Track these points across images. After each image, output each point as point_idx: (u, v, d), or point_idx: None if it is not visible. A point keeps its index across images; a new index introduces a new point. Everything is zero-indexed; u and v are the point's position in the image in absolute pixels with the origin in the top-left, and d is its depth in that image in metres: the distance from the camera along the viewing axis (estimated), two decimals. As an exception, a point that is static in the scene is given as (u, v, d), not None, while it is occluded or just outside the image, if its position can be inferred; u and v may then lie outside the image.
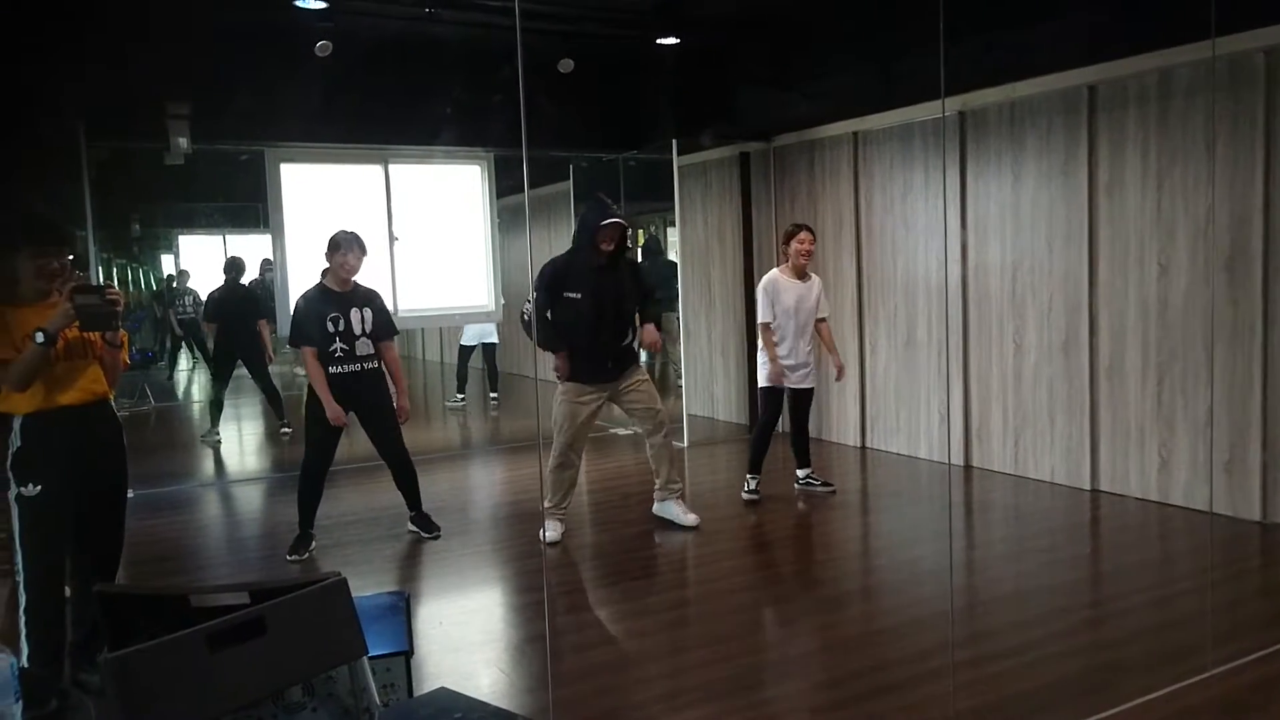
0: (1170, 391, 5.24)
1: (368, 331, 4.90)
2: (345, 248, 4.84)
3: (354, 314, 4.88)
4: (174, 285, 10.10)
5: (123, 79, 5.73)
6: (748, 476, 5.67)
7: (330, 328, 4.82)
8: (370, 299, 4.98)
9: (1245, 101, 4.76)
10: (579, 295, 4.79)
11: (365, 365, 4.89)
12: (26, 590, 3.14)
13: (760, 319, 5.53)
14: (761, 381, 5.64)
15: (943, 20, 2.90)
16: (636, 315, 5.10)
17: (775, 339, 5.50)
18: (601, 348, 4.88)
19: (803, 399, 5.74)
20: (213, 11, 5.85)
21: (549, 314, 4.89)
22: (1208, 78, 4.87)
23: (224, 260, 8.28)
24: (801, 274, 5.57)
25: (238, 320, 8.06)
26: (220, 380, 8.28)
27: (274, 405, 8.44)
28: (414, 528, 5.23)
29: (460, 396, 9.85)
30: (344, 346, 4.84)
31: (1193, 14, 4.20)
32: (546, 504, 4.98)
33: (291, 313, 4.98)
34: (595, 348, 4.86)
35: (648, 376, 5.19)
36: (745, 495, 5.62)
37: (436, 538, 5.15)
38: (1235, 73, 4.78)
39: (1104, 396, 5.58)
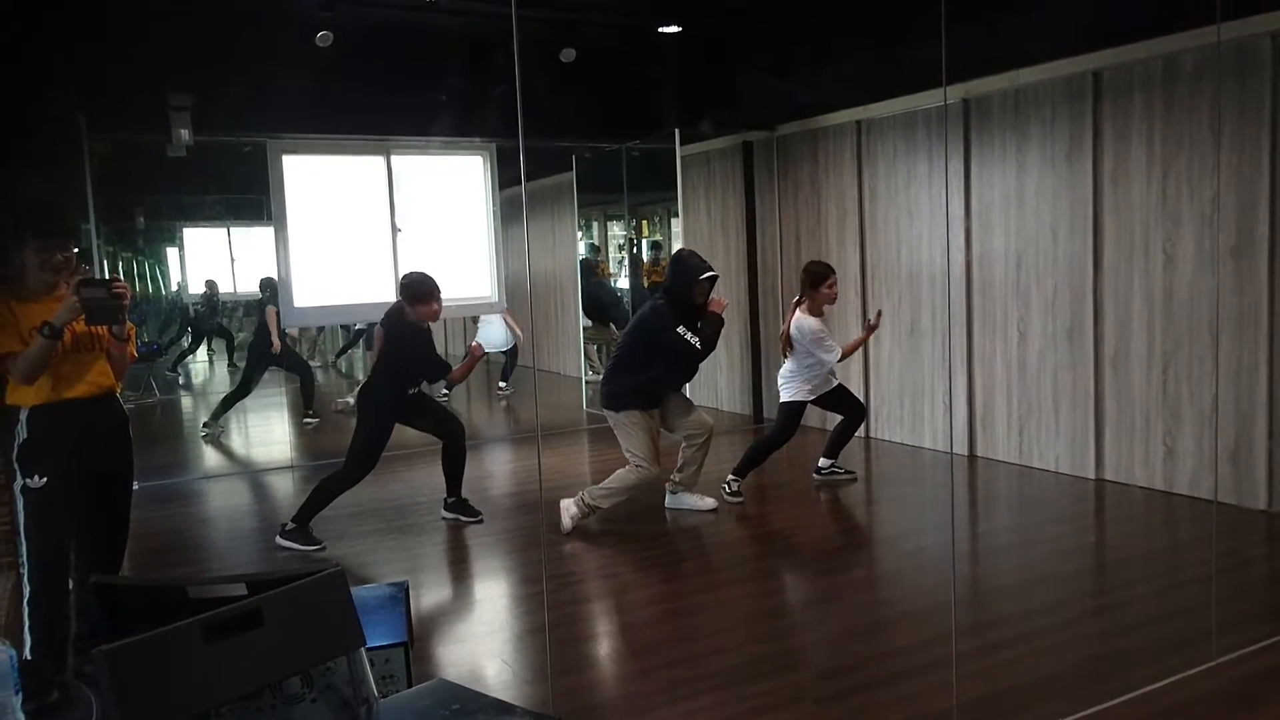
0: (1175, 380, 5.21)
1: None
2: (427, 296, 4.98)
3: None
4: (208, 295, 10.15)
5: (123, 70, 5.72)
6: (731, 479, 5.58)
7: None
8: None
9: (1251, 87, 4.72)
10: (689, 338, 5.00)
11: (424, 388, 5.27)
12: (30, 582, 3.15)
13: (839, 356, 5.48)
14: (788, 396, 5.59)
15: (945, 7, 2.88)
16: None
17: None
18: (666, 383, 5.15)
19: (839, 396, 5.73)
20: (213, 2, 5.84)
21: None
22: (1214, 63, 4.83)
23: (260, 280, 8.42)
24: (820, 313, 5.56)
25: (263, 328, 8.19)
26: (248, 387, 8.29)
27: (306, 393, 8.47)
28: (451, 514, 5.34)
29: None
30: (409, 381, 5.10)
31: (1198, -1, 4.18)
32: (590, 498, 5.01)
33: (387, 339, 5.10)
34: (662, 381, 5.12)
35: (685, 397, 5.38)
36: (728, 497, 5.52)
37: (480, 521, 5.26)
38: (1242, 58, 4.74)
39: (1109, 385, 5.55)
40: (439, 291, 5.01)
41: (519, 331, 9.30)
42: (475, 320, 9.88)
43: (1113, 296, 5.48)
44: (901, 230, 6.74)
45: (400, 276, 5.15)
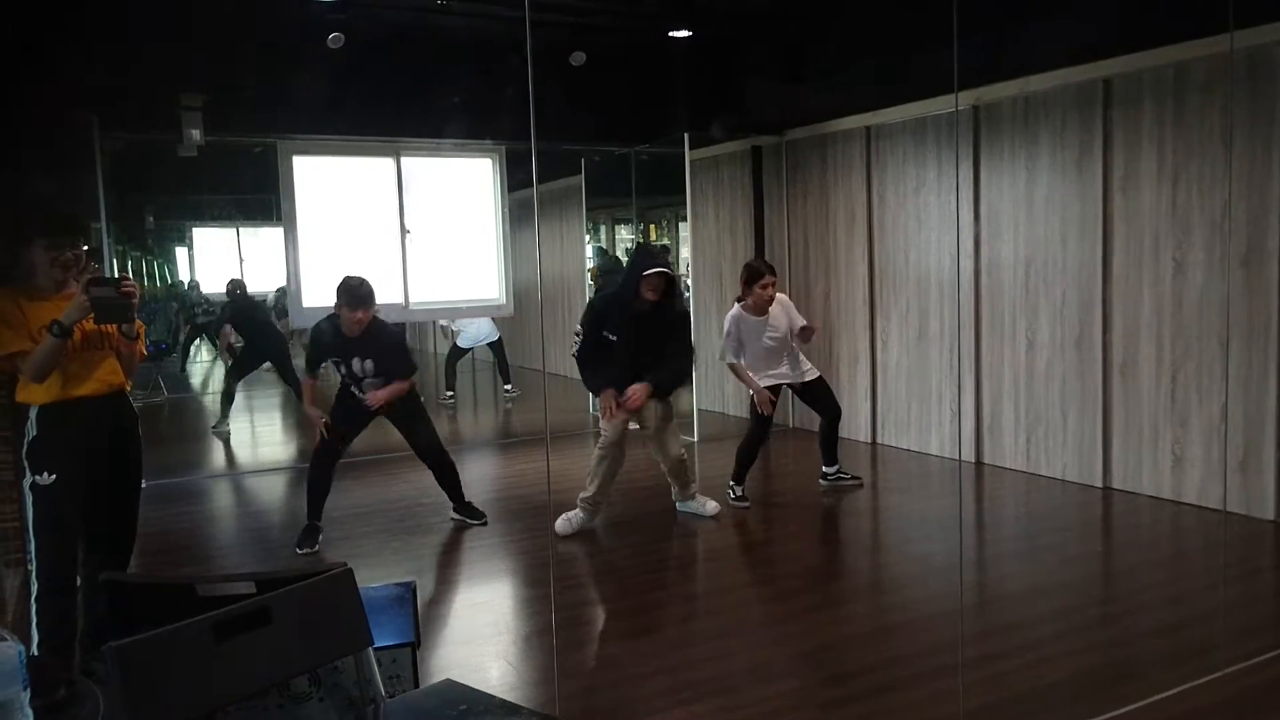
0: (1184, 389, 5.19)
1: (370, 375, 4.89)
2: (349, 303, 4.69)
3: (355, 362, 4.86)
4: (192, 292, 10.37)
5: (135, 71, 5.75)
6: (732, 484, 5.57)
7: (335, 369, 4.93)
8: (377, 346, 4.85)
9: (1263, 95, 4.70)
10: (615, 337, 4.92)
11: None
12: (38, 578, 3.16)
13: (728, 359, 5.37)
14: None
15: (955, 13, 2.88)
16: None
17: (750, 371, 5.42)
18: (622, 368, 4.99)
19: (815, 391, 5.67)
20: (225, 3, 5.86)
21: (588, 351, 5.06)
22: (1225, 71, 4.82)
23: (227, 283, 8.61)
24: (763, 311, 5.41)
25: (256, 329, 8.33)
26: (236, 376, 8.43)
27: (299, 397, 8.55)
28: (458, 516, 5.34)
29: (450, 394, 9.94)
30: (349, 385, 4.95)
31: (1210, 7, 4.17)
32: (584, 495, 5.05)
33: (310, 336, 5.02)
34: (624, 387, 4.95)
35: (668, 412, 5.19)
36: (734, 503, 5.51)
37: (484, 524, 5.26)
38: (1253, 66, 4.72)
39: (1117, 393, 5.53)
40: (372, 300, 4.74)
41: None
42: (438, 322, 9.98)
43: (1122, 304, 5.47)
44: (910, 236, 6.73)
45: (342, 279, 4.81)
